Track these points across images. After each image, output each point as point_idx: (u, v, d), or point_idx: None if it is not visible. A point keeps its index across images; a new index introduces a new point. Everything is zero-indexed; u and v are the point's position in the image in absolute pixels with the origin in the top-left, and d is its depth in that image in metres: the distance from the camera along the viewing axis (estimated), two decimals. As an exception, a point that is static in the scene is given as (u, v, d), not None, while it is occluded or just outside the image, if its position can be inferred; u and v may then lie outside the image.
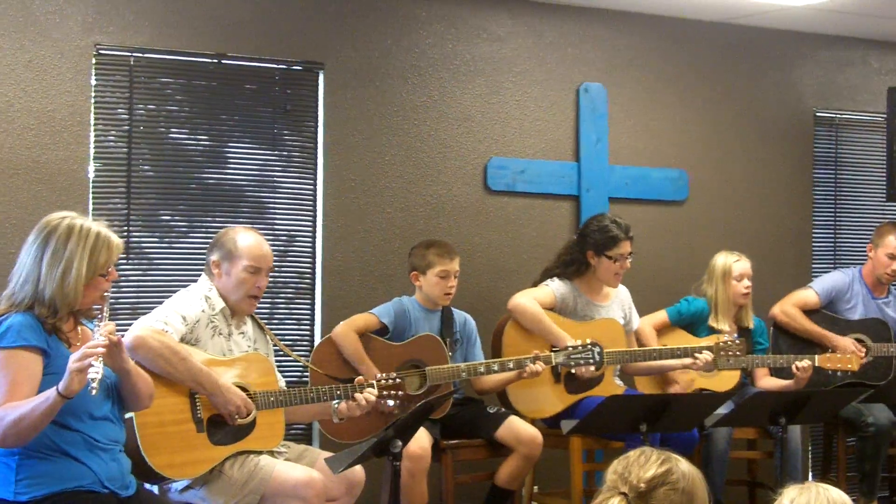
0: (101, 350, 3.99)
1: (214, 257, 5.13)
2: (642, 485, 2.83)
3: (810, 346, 6.86)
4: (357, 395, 5.13)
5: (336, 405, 5.16)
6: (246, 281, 5.07)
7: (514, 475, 5.98)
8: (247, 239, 5.13)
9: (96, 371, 3.95)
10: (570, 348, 5.94)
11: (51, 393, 3.99)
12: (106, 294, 4.26)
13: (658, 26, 7.55)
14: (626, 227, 6.27)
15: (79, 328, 4.32)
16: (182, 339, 4.89)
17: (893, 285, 7.17)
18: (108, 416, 4.29)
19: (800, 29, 7.88)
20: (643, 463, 2.87)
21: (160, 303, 5.13)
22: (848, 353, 6.67)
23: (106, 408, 4.27)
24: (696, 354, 6.27)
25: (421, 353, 5.94)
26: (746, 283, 6.70)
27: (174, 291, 5.25)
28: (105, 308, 4.20)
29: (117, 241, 4.31)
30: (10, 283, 4.26)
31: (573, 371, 6.05)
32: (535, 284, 6.36)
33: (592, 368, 6.03)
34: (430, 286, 6.04)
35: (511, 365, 5.93)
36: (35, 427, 4.03)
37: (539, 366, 5.91)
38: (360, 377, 5.24)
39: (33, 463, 4.12)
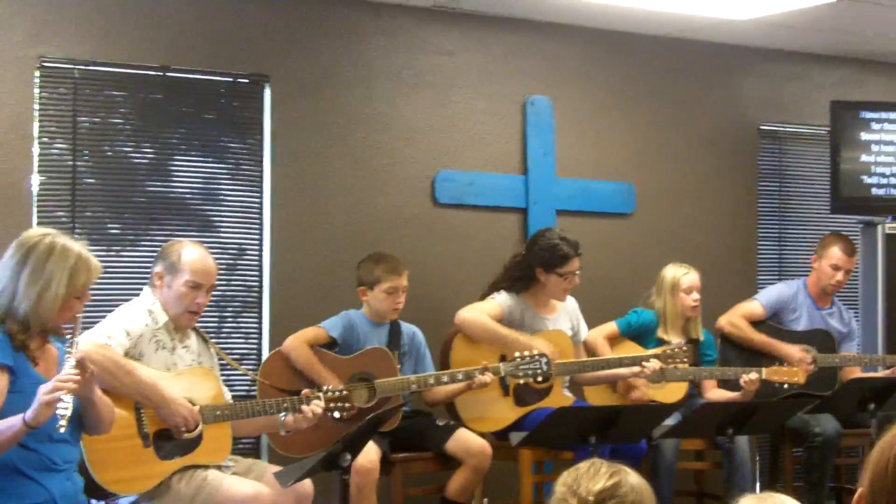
0: (72, 385, 3.93)
1: (158, 269, 5.09)
2: (591, 497, 2.79)
3: (757, 357, 6.91)
4: (304, 407, 5.11)
5: (283, 418, 5.13)
6: (185, 296, 5.03)
7: (464, 487, 5.97)
8: (191, 253, 5.09)
9: (65, 407, 3.90)
10: (518, 359, 5.95)
11: (17, 421, 3.94)
12: (77, 315, 4.21)
13: (604, 40, 7.59)
14: (574, 243, 6.28)
15: (46, 346, 4.26)
16: (126, 354, 4.85)
17: (837, 296, 7.24)
18: (66, 438, 4.23)
19: (744, 43, 7.95)
20: (592, 475, 2.85)
21: (104, 315, 5.08)
22: (795, 361, 6.73)
23: (69, 422, 4.21)
24: (644, 363, 6.30)
25: (370, 365, 5.92)
26: (695, 295, 6.72)
27: (119, 304, 5.21)
28: (77, 328, 4.16)
29: (96, 263, 4.29)
30: None
31: (521, 381, 6.05)
32: (483, 298, 6.36)
33: (539, 379, 6.04)
34: (377, 302, 6.02)
35: (460, 376, 5.93)
36: None
37: (487, 376, 5.91)
38: (307, 390, 5.21)
39: None
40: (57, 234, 4.27)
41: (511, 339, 6.09)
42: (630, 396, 6.52)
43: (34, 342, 4.20)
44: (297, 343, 5.86)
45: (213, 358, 5.28)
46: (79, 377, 3.97)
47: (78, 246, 4.24)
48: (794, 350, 6.86)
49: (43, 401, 3.89)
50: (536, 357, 5.95)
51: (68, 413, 3.91)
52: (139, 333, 4.94)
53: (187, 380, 5.01)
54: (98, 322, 5.00)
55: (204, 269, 5.09)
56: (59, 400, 3.89)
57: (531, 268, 6.28)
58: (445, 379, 5.94)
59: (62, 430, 3.91)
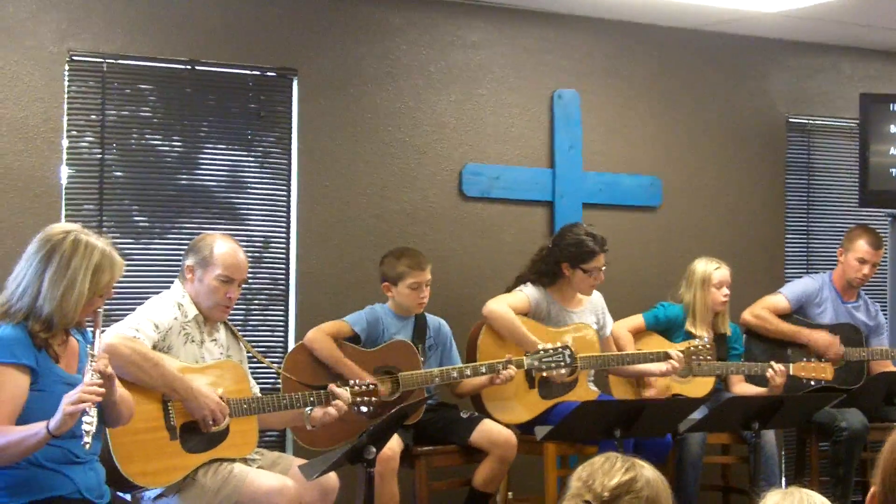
0: (96, 398, 3.95)
1: (189, 262, 5.12)
2: (606, 493, 2.78)
3: (783, 351, 6.89)
4: (331, 403, 5.13)
5: (309, 412, 5.15)
6: (217, 290, 5.06)
7: (490, 477, 5.98)
8: (223, 247, 5.11)
9: (90, 422, 3.92)
10: (542, 352, 5.96)
11: (41, 429, 3.94)
12: (98, 310, 4.22)
13: (631, 33, 7.57)
14: (601, 240, 6.28)
15: (67, 339, 4.27)
16: (154, 347, 4.87)
17: (864, 290, 7.21)
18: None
19: (772, 35, 7.92)
20: (608, 470, 2.83)
21: (133, 307, 5.12)
22: (824, 346, 6.73)
23: (93, 437, 4.24)
24: (671, 361, 6.28)
25: (393, 359, 5.94)
26: (725, 291, 6.71)
27: (147, 296, 5.24)
28: (98, 324, 4.17)
29: (119, 260, 4.26)
30: (5, 290, 4.20)
31: (545, 374, 6.06)
32: (509, 290, 6.37)
33: (563, 372, 6.04)
34: (402, 297, 6.03)
35: (484, 369, 5.94)
36: (18, 457, 4.02)
37: (511, 370, 5.92)
38: (333, 384, 5.24)
39: (12, 473, 4.09)
40: (80, 230, 4.23)
41: (529, 341, 6.10)
42: (644, 394, 6.53)
43: (56, 339, 4.20)
44: (319, 335, 5.88)
45: (241, 351, 5.30)
46: (103, 389, 3.99)
47: (101, 243, 4.21)
48: (822, 335, 6.84)
49: (68, 411, 3.90)
50: (560, 350, 5.95)
51: (93, 430, 3.92)
52: (168, 326, 4.96)
53: (215, 373, 5.03)
54: (127, 315, 5.03)
55: (235, 264, 5.12)
56: (84, 413, 3.91)
57: (557, 263, 6.28)
58: (469, 372, 5.95)
59: (87, 447, 3.92)
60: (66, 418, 3.91)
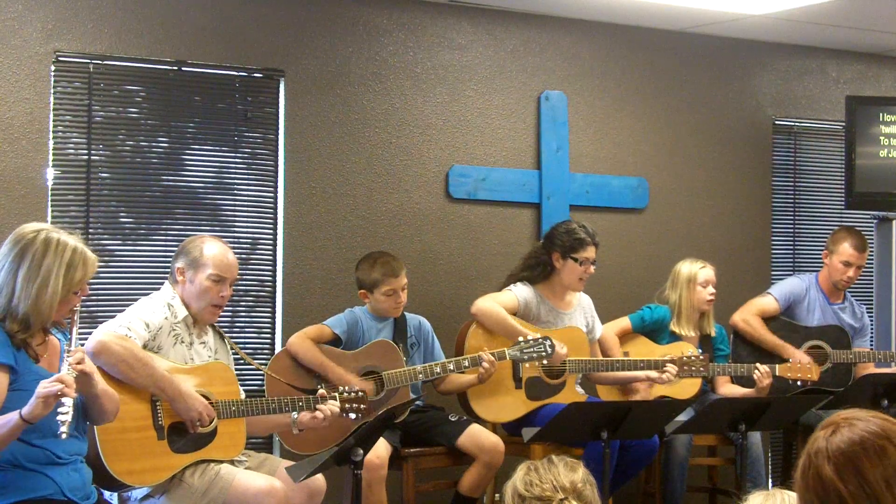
0: (69, 391, 3.92)
1: (180, 264, 5.12)
2: (579, 484, 3.05)
3: (770, 353, 6.90)
4: (321, 406, 5.11)
5: (296, 416, 5.13)
6: (209, 290, 5.06)
7: (476, 483, 5.97)
8: (213, 248, 5.13)
9: (66, 412, 3.91)
10: (522, 342, 5.95)
11: (13, 417, 3.95)
12: (75, 308, 4.22)
13: (619, 35, 7.58)
14: (592, 232, 6.30)
15: (47, 339, 4.27)
16: (144, 346, 4.87)
17: (850, 291, 7.22)
18: (71, 433, 4.22)
19: (758, 38, 7.93)
20: (561, 470, 3.09)
21: (120, 308, 5.11)
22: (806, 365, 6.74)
23: (70, 427, 4.23)
24: (667, 371, 6.26)
25: (376, 359, 5.93)
26: (711, 290, 6.72)
27: (134, 296, 5.23)
28: (74, 323, 4.18)
29: (93, 256, 4.27)
30: None
31: (527, 364, 6.06)
32: (500, 289, 6.37)
33: (545, 362, 6.03)
34: (378, 303, 6.03)
35: (466, 363, 5.94)
36: None
37: (486, 354, 5.90)
38: (322, 391, 5.23)
39: None
40: (52, 228, 4.26)
41: (519, 333, 6.08)
42: (630, 397, 6.52)
43: (35, 338, 4.21)
44: (301, 340, 5.88)
45: (229, 354, 5.30)
46: (75, 382, 3.97)
47: (73, 240, 4.23)
48: (801, 356, 6.83)
49: (41, 394, 3.91)
50: (540, 340, 5.94)
51: (69, 419, 3.92)
52: (158, 326, 4.97)
53: (203, 374, 5.03)
54: (115, 315, 5.02)
55: (226, 263, 5.14)
56: (57, 398, 3.90)
57: (548, 254, 6.29)
58: (451, 367, 5.95)
59: (63, 436, 3.92)
60: (38, 402, 3.90)
